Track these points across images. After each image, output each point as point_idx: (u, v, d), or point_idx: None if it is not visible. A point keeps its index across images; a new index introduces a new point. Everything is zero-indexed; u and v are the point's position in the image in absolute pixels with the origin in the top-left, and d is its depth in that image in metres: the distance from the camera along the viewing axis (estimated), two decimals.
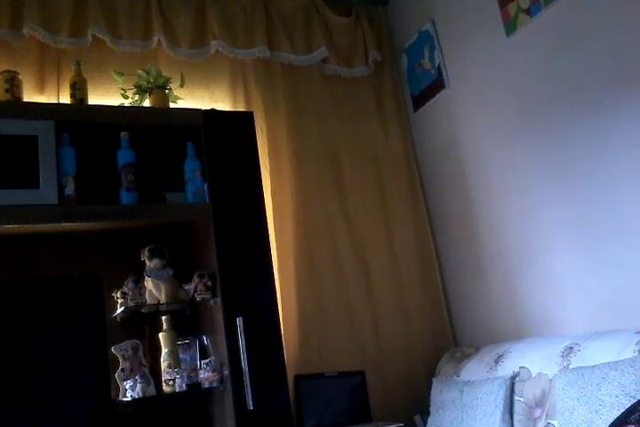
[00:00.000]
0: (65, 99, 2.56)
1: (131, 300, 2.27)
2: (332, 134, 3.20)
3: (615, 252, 2.27)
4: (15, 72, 2.38)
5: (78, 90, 2.45)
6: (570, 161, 2.44)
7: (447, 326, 3.12)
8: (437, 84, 3.20)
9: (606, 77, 2.28)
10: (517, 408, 2.26)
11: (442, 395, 2.58)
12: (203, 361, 2.32)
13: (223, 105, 2.98)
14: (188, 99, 2.85)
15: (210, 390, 2.29)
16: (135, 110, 2.48)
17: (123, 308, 2.28)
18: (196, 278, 2.31)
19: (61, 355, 2.23)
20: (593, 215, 2.35)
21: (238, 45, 3.02)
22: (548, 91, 2.53)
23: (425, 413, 2.70)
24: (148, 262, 2.32)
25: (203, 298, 2.29)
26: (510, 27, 2.70)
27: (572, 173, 2.44)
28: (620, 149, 2.23)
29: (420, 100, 3.35)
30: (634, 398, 1.74)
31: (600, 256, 2.33)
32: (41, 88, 2.64)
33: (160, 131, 2.48)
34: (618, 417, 1.63)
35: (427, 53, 3.26)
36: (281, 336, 2.33)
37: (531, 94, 2.63)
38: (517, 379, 2.31)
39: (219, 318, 2.25)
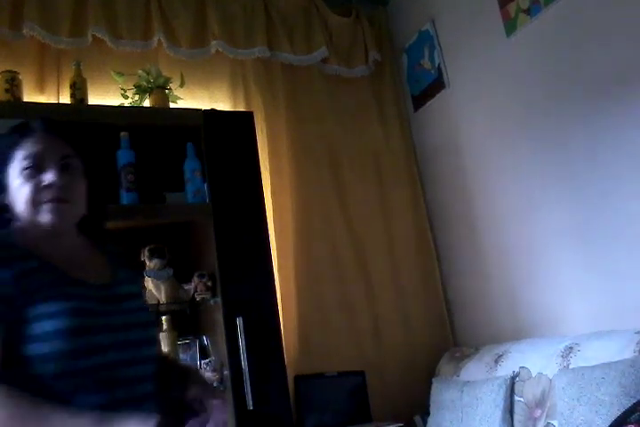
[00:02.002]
0: (65, 99, 2.56)
1: None
2: (332, 134, 3.20)
3: (615, 251, 2.27)
4: (15, 72, 2.38)
5: (78, 90, 2.45)
6: (570, 161, 2.44)
7: (447, 326, 3.12)
8: (437, 84, 3.20)
9: (606, 77, 2.28)
10: (517, 408, 2.26)
11: (442, 395, 2.57)
12: (203, 361, 2.32)
13: (223, 105, 2.98)
14: (188, 99, 2.85)
15: None
16: (135, 110, 2.48)
17: None
18: (195, 278, 2.30)
19: None
20: (593, 215, 2.35)
21: (238, 45, 3.02)
22: (548, 91, 2.53)
23: (425, 413, 2.69)
24: (147, 262, 2.32)
25: (203, 298, 2.29)
26: (510, 27, 2.70)
27: (572, 173, 2.44)
28: (620, 149, 2.23)
29: (420, 100, 3.35)
30: (634, 398, 1.74)
31: (600, 256, 2.33)
32: (41, 88, 2.63)
33: (160, 131, 2.47)
34: (618, 417, 1.63)
35: (427, 53, 3.26)
36: (281, 336, 2.34)
37: (531, 94, 2.63)
38: (517, 379, 2.31)
39: (219, 318, 2.25)
